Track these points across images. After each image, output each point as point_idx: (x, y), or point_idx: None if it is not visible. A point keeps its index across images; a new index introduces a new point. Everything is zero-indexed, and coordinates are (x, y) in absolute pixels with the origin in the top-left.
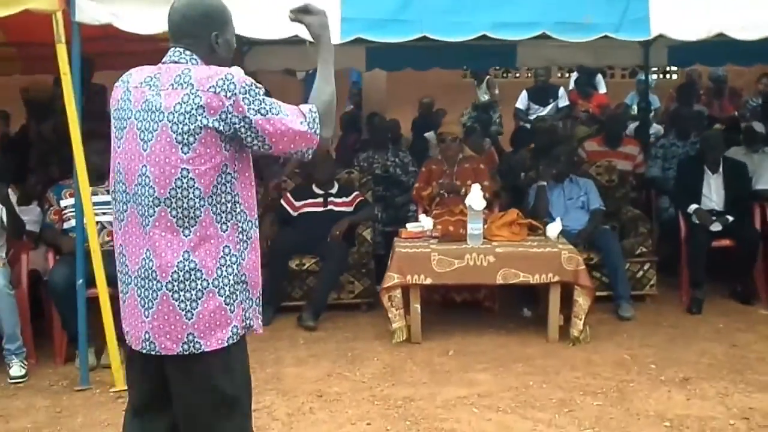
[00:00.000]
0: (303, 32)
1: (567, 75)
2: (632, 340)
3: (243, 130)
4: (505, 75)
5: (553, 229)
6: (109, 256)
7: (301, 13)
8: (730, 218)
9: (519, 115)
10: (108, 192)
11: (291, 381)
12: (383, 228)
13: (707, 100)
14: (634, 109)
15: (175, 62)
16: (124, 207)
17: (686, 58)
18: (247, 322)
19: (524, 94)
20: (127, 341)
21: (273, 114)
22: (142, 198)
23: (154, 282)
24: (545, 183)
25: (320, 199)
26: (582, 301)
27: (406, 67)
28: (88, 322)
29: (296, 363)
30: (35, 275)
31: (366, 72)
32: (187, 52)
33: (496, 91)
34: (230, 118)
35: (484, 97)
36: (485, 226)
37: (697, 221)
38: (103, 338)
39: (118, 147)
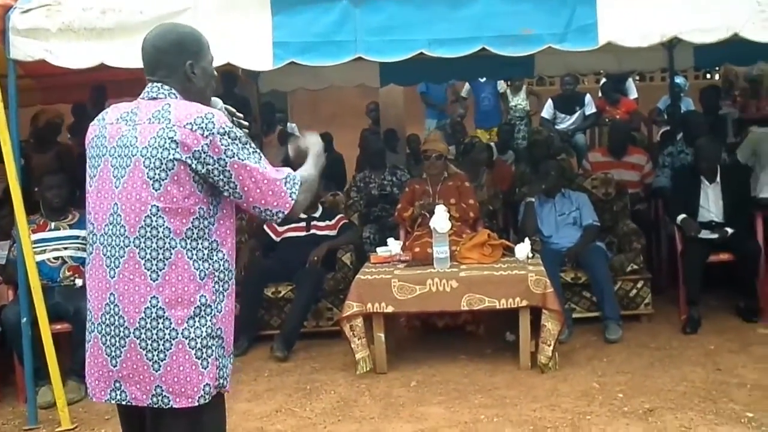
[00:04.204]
0: (235, 59)
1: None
2: (610, 365)
3: (216, 172)
4: (541, 83)
5: (522, 249)
6: (68, 291)
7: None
8: (730, 230)
9: (545, 125)
10: (70, 227)
11: (236, 418)
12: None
13: (743, 102)
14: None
15: (154, 98)
16: (91, 249)
17: (713, 59)
18: (221, 381)
19: (549, 102)
20: (89, 393)
21: (251, 162)
22: (113, 238)
23: (121, 328)
24: (533, 199)
25: (303, 224)
26: (550, 326)
27: (421, 81)
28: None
29: (250, 398)
30: None
31: (381, 88)
32: (165, 87)
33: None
34: (205, 158)
35: (522, 105)
36: (457, 249)
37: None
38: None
39: (91, 186)
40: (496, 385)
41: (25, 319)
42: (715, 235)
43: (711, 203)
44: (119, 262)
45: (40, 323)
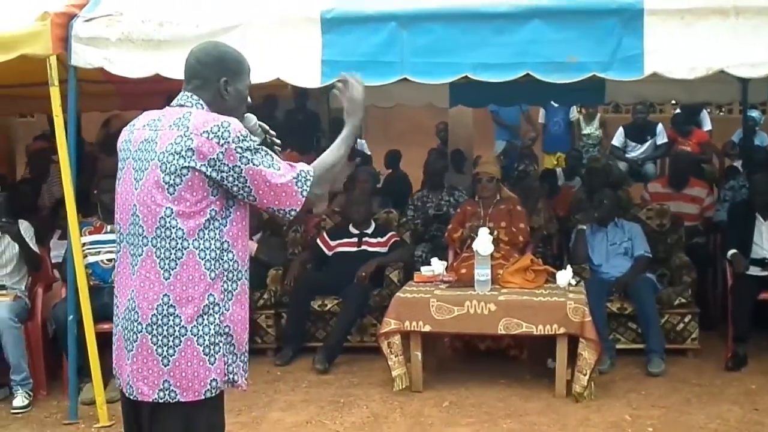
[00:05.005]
0: (284, 75)
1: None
2: (646, 398)
3: (231, 179)
4: (617, 110)
5: (563, 277)
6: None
7: (348, 87)
8: None
9: (615, 153)
10: None
11: (267, 427)
12: None
13: None
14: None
15: (181, 105)
16: (119, 247)
17: None
18: (230, 376)
19: (621, 130)
20: (117, 383)
21: (264, 166)
22: (134, 237)
23: (136, 323)
24: (585, 227)
25: (355, 239)
26: (587, 355)
27: (490, 104)
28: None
29: (285, 407)
30: None
31: (450, 108)
32: (194, 97)
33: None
34: (219, 166)
35: (596, 133)
36: (501, 272)
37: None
38: (106, 372)
39: (118, 187)
40: (528, 412)
41: (71, 317)
42: (766, 273)
43: (765, 240)
44: (137, 261)
45: (84, 322)
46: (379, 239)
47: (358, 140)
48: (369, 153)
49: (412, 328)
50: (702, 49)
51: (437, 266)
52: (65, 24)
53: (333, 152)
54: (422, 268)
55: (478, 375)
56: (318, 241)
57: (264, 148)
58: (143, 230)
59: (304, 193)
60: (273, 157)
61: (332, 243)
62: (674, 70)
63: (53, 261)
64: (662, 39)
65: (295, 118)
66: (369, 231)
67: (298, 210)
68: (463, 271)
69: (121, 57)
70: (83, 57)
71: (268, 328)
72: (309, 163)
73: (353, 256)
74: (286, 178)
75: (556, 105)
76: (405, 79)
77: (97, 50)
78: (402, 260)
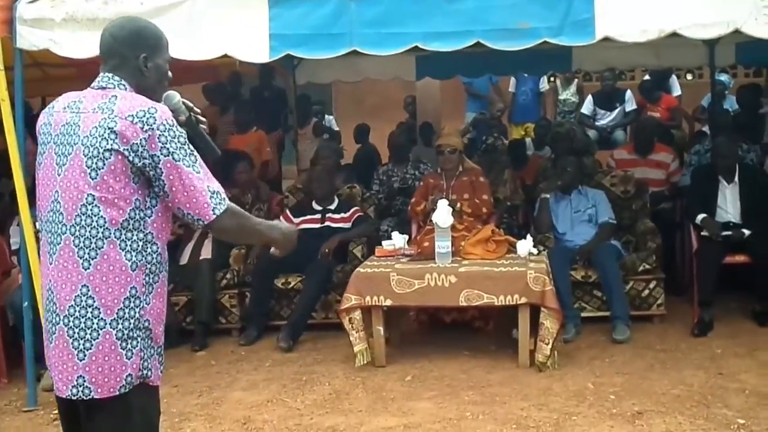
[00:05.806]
0: (232, 51)
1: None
2: (610, 366)
3: (149, 168)
4: (588, 78)
5: (524, 246)
6: None
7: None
8: (746, 232)
9: (584, 121)
10: None
11: (227, 407)
12: None
13: None
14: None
15: (103, 88)
16: (41, 236)
17: (757, 55)
18: (144, 372)
19: (589, 98)
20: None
21: (184, 165)
22: (52, 225)
23: (54, 315)
24: (548, 195)
25: (318, 216)
26: (549, 324)
27: (457, 75)
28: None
29: (246, 387)
30: None
31: (417, 81)
32: (115, 78)
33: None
34: (141, 152)
35: (571, 99)
36: (463, 244)
37: (706, 233)
38: None
39: (39, 173)
40: (491, 383)
41: (26, 303)
42: (729, 233)
43: (729, 204)
44: (56, 249)
45: (39, 308)
46: (343, 215)
47: (326, 116)
48: (337, 129)
49: (373, 303)
50: (653, 12)
51: (398, 240)
52: (9, 6)
53: (259, 221)
54: (383, 243)
55: (442, 348)
56: (281, 218)
57: (191, 147)
58: (62, 217)
59: (217, 211)
60: (197, 159)
61: (295, 220)
62: (626, 34)
63: (13, 248)
64: (613, 2)
65: (261, 95)
66: (332, 207)
67: (205, 223)
68: (426, 244)
69: (66, 38)
70: (28, 39)
71: (232, 308)
72: (276, 141)
73: (317, 232)
74: (202, 185)
75: (525, 75)
76: (359, 52)
77: (42, 32)
78: (365, 235)
